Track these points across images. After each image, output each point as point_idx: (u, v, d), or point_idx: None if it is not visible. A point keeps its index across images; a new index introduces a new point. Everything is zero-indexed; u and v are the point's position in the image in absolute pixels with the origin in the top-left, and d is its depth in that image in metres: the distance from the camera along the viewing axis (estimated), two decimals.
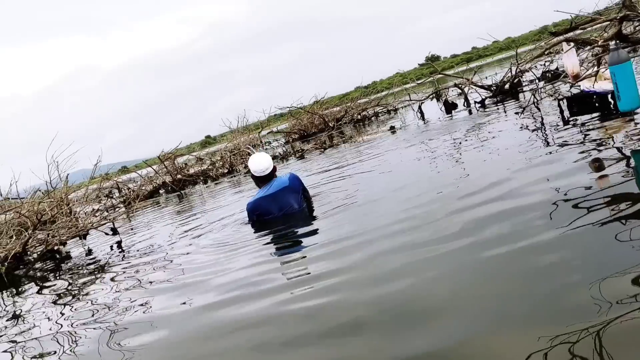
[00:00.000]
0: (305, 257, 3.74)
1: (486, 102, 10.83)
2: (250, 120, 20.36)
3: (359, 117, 19.89)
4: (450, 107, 12.33)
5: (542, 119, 6.24)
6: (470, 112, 10.57)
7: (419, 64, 19.30)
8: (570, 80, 6.27)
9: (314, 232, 4.39)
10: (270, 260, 3.97)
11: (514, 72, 10.85)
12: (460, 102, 12.46)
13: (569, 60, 6.19)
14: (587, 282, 2.06)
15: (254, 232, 5.06)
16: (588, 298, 1.95)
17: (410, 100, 15.37)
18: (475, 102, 11.02)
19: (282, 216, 5.14)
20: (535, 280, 2.30)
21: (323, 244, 3.87)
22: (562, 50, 6.00)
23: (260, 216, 5.21)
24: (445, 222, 3.45)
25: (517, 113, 7.13)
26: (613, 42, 4.13)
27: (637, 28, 5.24)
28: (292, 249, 4.14)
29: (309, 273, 3.31)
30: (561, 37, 5.43)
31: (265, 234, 4.87)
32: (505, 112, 8.41)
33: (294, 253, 3.96)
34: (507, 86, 11.04)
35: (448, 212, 3.62)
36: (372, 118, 19.82)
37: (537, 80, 10.98)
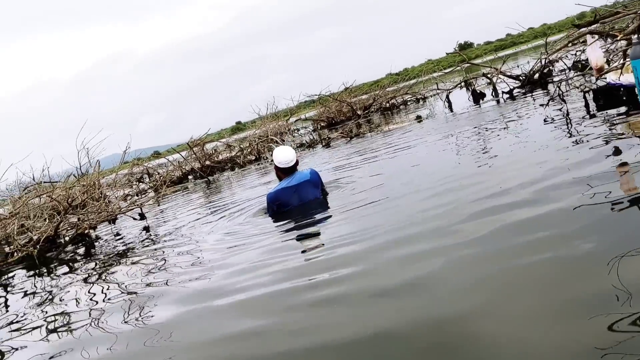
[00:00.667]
0: (327, 252, 3.68)
1: (515, 92, 10.69)
2: (279, 107, 20.51)
3: (388, 105, 19.80)
4: (478, 96, 12.21)
5: (568, 111, 6.16)
6: (498, 103, 10.47)
7: (446, 53, 18.68)
8: (594, 73, 6.17)
9: (335, 225, 4.40)
10: (292, 250, 4.02)
11: (543, 62, 10.67)
12: (488, 91, 12.32)
13: (593, 53, 6.09)
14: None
15: (276, 222, 5.15)
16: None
17: (438, 89, 15.24)
18: (503, 92, 10.88)
19: (299, 206, 5.28)
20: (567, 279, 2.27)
21: (344, 238, 3.81)
22: (587, 42, 5.90)
23: (280, 207, 5.34)
24: (467, 217, 3.41)
25: (541, 105, 7.05)
26: (635, 36, 4.06)
27: None
28: (311, 242, 4.18)
29: (330, 269, 3.24)
30: (585, 30, 5.35)
31: (286, 223, 4.96)
32: (532, 103, 8.30)
33: (314, 247, 3.97)
34: (536, 76, 10.86)
35: (470, 207, 3.60)
36: (401, 106, 19.72)
37: (567, 71, 10.78)
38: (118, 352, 2.88)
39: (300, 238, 4.37)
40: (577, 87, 6.52)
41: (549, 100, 6.87)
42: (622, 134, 4.52)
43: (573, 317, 1.94)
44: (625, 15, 4.80)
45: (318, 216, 4.94)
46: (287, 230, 4.70)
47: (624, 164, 3.56)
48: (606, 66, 5.89)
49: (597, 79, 6.15)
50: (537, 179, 3.75)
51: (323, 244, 3.96)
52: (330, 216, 4.81)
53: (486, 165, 4.92)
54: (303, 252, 3.92)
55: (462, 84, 14.28)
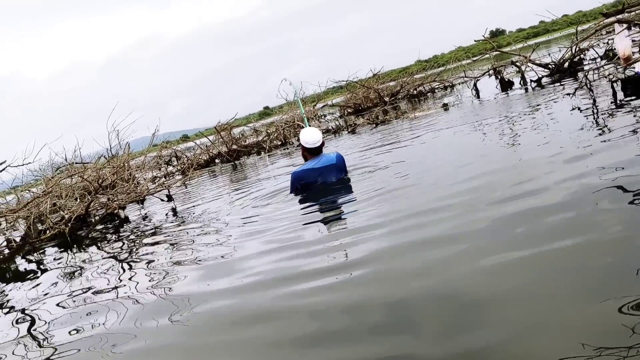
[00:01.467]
0: (350, 236, 3.69)
1: (543, 81, 10.57)
2: (307, 92, 20.54)
3: (415, 92, 19.71)
4: (506, 85, 12.10)
5: (595, 101, 6.12)
6: (526, 91, 10.38)
7: (474, 40, 18.41)
8: (621, 63, 6.10)
9: (357, 208, 4.45)
10: (314, 231, 4.09)
11: (574, 51, 10.51)
12: (517, 80, 12.21)
13: (621, 42, 6.01)
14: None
15: (300, 204, 5.25)
16: None
17: (465, 76, 15.11)
18: (531, 80, 10.76)
19: (322, 185, 5.48)
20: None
21: (367, 223, 3.83)
22: (615, 31, 5.83)
23: (305, 185, 5.54)
24: (490, 204, 3.43)
25: (568, 94, 6.98)
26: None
27: None
28: (335, 226, 4.17)
29: (355, 255, 3.25)
30: (613, 19, 5.28)
31: (309, 205, 5.06)
32: (561, 92, 8.22)
33: (337, 232, 3.97)
34: (566, 65, 10.71)
35: (493, 194, 3.63)
36: (428, 94, 19.61)
37: (598, 60, 10.61)
38: (143, 325, 3.00)
39: (322, 220, 4.44)
40: (606, 77, 6.45)
41: (575, 90, 6.81)
42: None
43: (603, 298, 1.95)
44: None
45: (340, 199, 5.03)
46: (310, 212, 4.79)
47: None
48: (634, 55, 5.82)
49: (625, 69, 6.08)
50: (560, 168, 3.78)
51: (345, 226, 4.03)
52: (353, 200, 4.89)
53: (510, 154, 4.94)
54: (325, 233, 3.98)
55: (491, 71, 14.16)
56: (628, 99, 5.71)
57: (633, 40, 6.11)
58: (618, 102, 5.74)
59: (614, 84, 5.91)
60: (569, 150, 4.23)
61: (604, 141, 4.23)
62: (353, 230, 3.79)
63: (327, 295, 2.75)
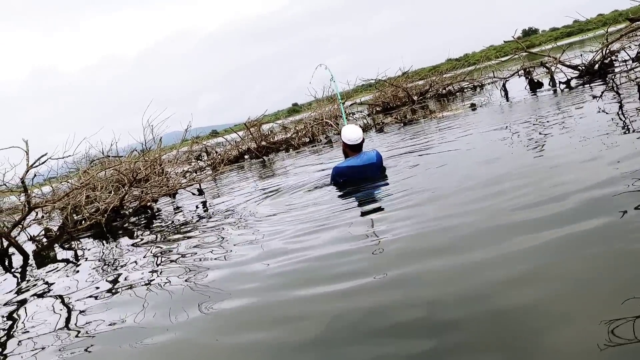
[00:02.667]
0: (384, 228, 3.79)
1: (573, 82, 10.52)
2: (335, 90, 20.67)
3: (444, 91, 19.70)
4: (535, 85, 12.07)
5: (621, 104, 6.13)
6: (555, 92, 10.35)
7: (504, 41, 18.21)
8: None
9: (393, 204, 4.50)
10: (347, 227, 4.14)
11: (604, 53, 10.43)
12: (546, 81, 12.15)
13: None
14: None
15: (331, 200, 5.37)
16: None
17: (495, 77, 15.07)
18: (560, 82, 10.73)
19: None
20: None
21: (397, 224, 3.83)
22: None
23: (345, 181, 5.84)
24: (516, 208, 3.44)
25: (594, 97, 6.99)
26: None
27: None
28: (365, 227, 4.16)
29: (383, 257, 3.23)
30: (639, 23, 5.30)
31: (342, 201, 5.20)
32: (589, 94, 8.20)
33: (374, 232, 3.92)
34: (596, 67, 10.64)
35: (520, 198, 3.63)
36: (457, 93, 19.57)
37: (629, 62, 10.51)
38: (169, 318, 3.10)
39: (353, 219, 4.48)
40: (633, 80, 6.45)
41: (602, 93, 6.81)
42: None
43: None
44: None
45: (375, 196, 5.12)
46: (341, 210, 4.82)
47: None
48: None
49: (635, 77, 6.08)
50: (587, 172, 3.81)
51: (380, 221, 4.10)
52: (387, 196, 4.93)
53: (536, 158, 4.94)
54: (354, 233, 3.97)
55: (522, 72, 14.11)
56: None
57: None
58: None
59: None
60: (595, 154, 4.27)
61: (631, 145, 4.23)
62: (382, 230, 3.82)
63: (353, 297, 2.74)
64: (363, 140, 6.03)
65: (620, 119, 5.45)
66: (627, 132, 4.83)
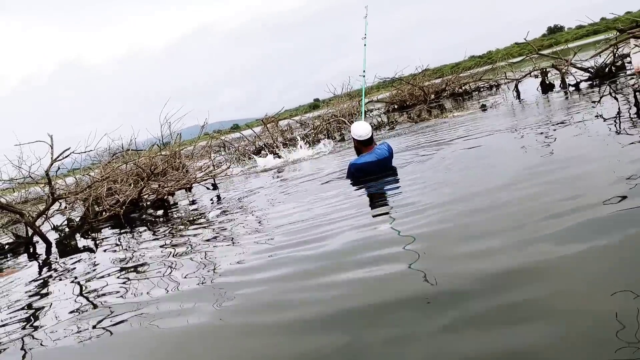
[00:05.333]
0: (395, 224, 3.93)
1: (582, 85, 10.64)
2: (354, 87, 20.96)
3: (460, 90, 19.82)
4: (547, 87, 12.20)
5: (619, 110, 6.30)
6: (566, 94, 10.47)
7: (515, 43, 17.89)
8: (636, 75, 6.26)
9: (405, 198, 4.70)
10: (359, 222, 4.27)
11: (615, 56, 10.52)
12: (557, 82, 12.28)
13: (636, 56, 6.18)
14: None
15: (342, 193, 5.67)
16: None
17: (507, 78, 15.16)
18: (569, 84, 10.85)
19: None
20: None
21: (417, 213, 4.00)
22: (631, 45, 6.00)
23: (363, 176, 6.10)
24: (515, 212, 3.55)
25: (593, 102, 7.13)
26: None
27: None
28: (376, 220, 4.36)
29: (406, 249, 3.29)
30: (628, 34, 5.48)
31: (356, 195, 5.49)
32: (597, 97, 8.25)
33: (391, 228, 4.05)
34: (607, 70, 10.74)
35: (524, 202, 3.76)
36: (473, 93, 19.68)
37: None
38: (186, 305, 3.28)
39: (365, 211, 4.71)
40: (631, 86, 6.61)
41: (600, 98, 6.93)
42: None
43: None
44: None
45: (387, 190, 5.39)
46: (353, 204, 5.01)
47: None
48: None
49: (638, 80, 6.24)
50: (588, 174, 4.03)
51: (392, 217, 4.26)
52: (398, 188, 5.24)
53: (543, 161, 4.96)
54: (366, 227, 4.10)
55: (537, 72, 14.17)
56: None
57: None
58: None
59: (637, 94, 6.10)
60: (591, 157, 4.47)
61: (629, 151, 4.37)
62: (398, 219, 4.02)
63: (363, 288, 2.85)
64: (372, 136, 6.32)
65: (614, 124, 5.61)
66: (619, 136, 4.98)
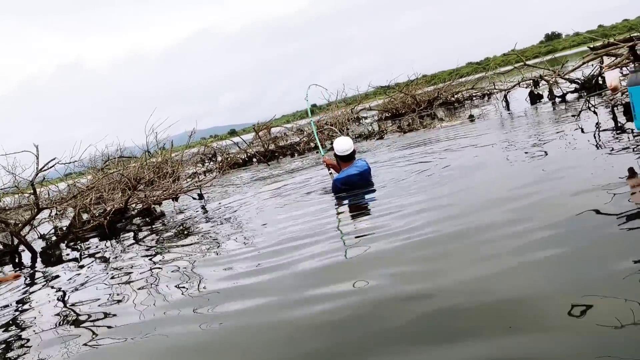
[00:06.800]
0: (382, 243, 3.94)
1: (569, 97, 10.74)
2: (349, 94, 21.10)
3: (453, 99, 19.91)
4: (535, 97, 12.30)
5: (598, 123, 6.38)
6: (554, 105, 10.56)
7: (503, 54, 18.05)
8: (609, 92, 6.36)
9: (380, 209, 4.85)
10: (337, 231, 4.47)
11: (602, 68, 10.60)
12: (546, 93, 12.38)
13: (609, 73, 6.28)
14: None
15: (326, 204, 5.84)
16: None
17: (495, 88, 15.23)
18: (556, 96, 10.94)
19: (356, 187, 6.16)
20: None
21: (393, 221, 4.21)
22: (604, 64, 6.10)
23: (347, 189, 6.19)
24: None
25: (573, 116, 7.20)
26: (632, 65, 4.34)
27: None
28: (357, 224, 4.65)
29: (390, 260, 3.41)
30: (601, 51, 5.59)
31: (336, 205, 5.69)
32: (583, 109, 8.27)
33: (361, 229, 4.39)
34: (594, 81, 10.82)
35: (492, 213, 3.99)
36: (466, 101, 19.75)
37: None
38: (169, 315, 3.36)
39: (346, 222, 4.90)
40: (609, 101, 6.69)
41: (579, 112, 7.01)
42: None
43: None
44: (618, 48, 5.03)
45: (368, 199, 5.60)
46: (336, 213, 5.29)
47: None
48: (620, 86, 6.09)
49: (611, 98, 6.35)
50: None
51: (371, 225, 4.42)
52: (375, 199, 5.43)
53: (518, 173, 5.10)
54: (352, 238, 4.22)
55: (528, 82, 14.23)
56: (628, 123, 5.96)
57: (622, 73, 6.37)
58: (618, 124, 6.03)
59: (615, 109, 6.20)
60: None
61: (605, 160, 4.54)
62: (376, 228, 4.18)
63: (347, 301, 2.89)
64: (354, 152, 6.37)
65: (594, 137, 5.70)
66: (597, 148, 5.10)
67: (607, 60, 6.20)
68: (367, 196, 5.82)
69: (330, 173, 6.71)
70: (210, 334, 2.91)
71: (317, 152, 13.92)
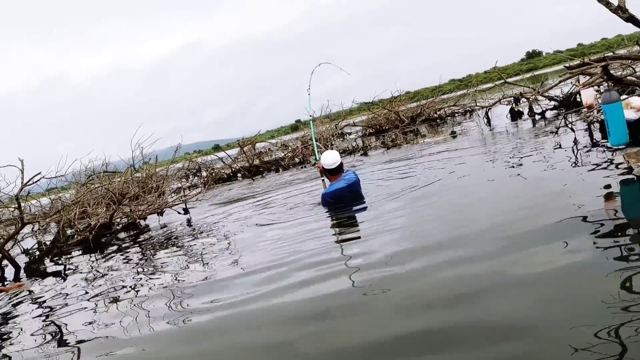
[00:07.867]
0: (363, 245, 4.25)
1: (548, 114, 10.96)
2: (332, 110, 21.27)
3: (436, 115, 20.17)
4: (515, 114, 12.54)
5: (576, 139, 6.56)
6: (534, 122, 10.78)
7: (485, 71, 18.51)
8: (585, 110, 6.58)
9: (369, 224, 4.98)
10: (325, 246, 4.53)
11: (579, 87, 10.87)
12: (526, 110, 12.63)
13: (585, 92, 6.50)
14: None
15: (312, 218, 5.92)
16: None
17: (476, 105, 15.49)
18: (535, 113, 11.18)
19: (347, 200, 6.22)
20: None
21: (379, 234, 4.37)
22: (579, 83, 6.32)
23: (336, 202, 6.24)
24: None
25: (551, 132, 7.40)
26: (606, 84, 4.54)
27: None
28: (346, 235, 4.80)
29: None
30: (576, 71, 5.79)
31: (323, 220, 5.74)
32: (563, 126, 8.46)
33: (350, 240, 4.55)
34: (572, 99, 11.09)
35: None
36: (448, 118, 20.01)
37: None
38: (156, 330, 3.39)
39: (331, 234, 5.03)
40: (585, 119, 6.90)
41: (557, 129, 7.20)
42: (620, 163, 4.86)
43: None
44: (592, 67, 5.26)
45: (356, 213, 5.70)
46: (322, 228, 5.32)
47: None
48: (595, 104, 6.32)
49: (588, 115, 6.56)
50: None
51: (359, 237, 4.57)
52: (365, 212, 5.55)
53: (497, 188, 5.28)
54: (336, 250, 4.38)
55: (509, 99, 14.49)
56: (604, 139, 6.14)
57: (597, 91, 6.60)
58: (594, 141, 6.22)
59: (591, 126, 6.39)
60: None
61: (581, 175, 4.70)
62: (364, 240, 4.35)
63: (329, 319, 2.95)
64: (341, 165, 6.42)
65: (572, 153, 5.85)
66: (574, 164, 5.25)
67: (582, 79, 6.40)
68: (353, 214, 5.85)
69: (323, 180, 6.70)
70: (193, 349, 2.95)
71: (302, 168, 14.04)
